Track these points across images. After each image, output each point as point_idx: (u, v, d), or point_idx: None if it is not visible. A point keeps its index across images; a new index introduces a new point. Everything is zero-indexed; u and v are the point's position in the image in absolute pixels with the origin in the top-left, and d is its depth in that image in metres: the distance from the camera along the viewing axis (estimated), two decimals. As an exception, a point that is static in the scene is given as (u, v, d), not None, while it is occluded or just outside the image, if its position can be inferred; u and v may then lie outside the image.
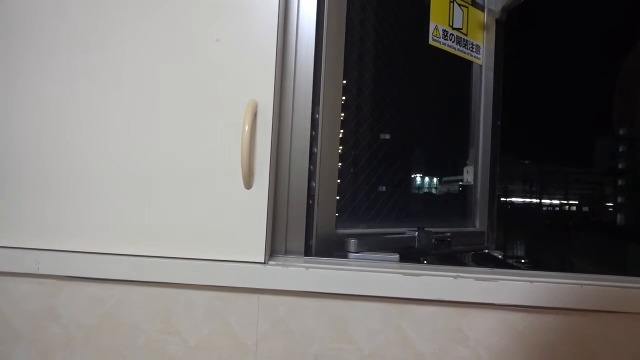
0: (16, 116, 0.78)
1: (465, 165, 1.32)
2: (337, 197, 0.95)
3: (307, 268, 0.74)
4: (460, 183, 1.32)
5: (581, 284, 0.72)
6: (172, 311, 0.77)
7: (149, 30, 0.77)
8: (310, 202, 0.89)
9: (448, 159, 1.35)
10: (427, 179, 1.34)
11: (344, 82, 0.97)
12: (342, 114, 0.97)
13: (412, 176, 1.26)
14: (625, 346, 0.72)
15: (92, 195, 0.77)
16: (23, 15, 0.78)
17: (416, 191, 1.30)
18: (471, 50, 1.26)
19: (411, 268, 0.77)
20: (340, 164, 0.97)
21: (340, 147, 0.97)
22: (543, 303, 0.72)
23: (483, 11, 1.31)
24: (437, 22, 1.17)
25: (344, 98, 0.97)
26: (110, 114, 0.77)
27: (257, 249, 0.75)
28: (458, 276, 0.73)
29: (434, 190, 1.36)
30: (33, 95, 0.78)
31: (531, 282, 0.72)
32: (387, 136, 1.13)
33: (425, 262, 1.08)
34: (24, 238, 0.77)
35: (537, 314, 0.73)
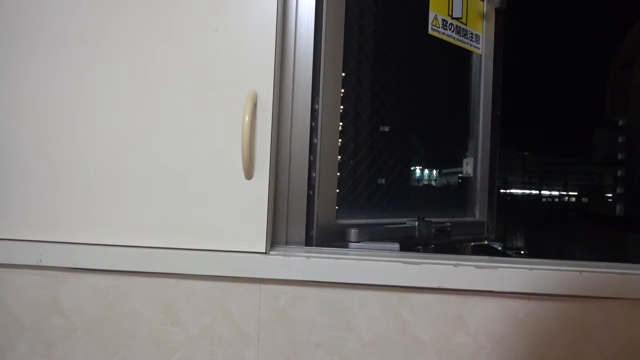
0: (20, 110, 0.78)
1: (465, 157, 1.32)
2: (337, 189, 0.95)
3: (308, 257, 0.75)
4: (460, 175, 1.32)
5: (580, 271, 0.72)
6: (174, 301, 0.77)
7: (148, 21, 0.77)
8: (311, 192, 0.89)
9: (448, 150, 1.35)
10: (426, 170, 1.34)
11: (343, 73, 0.96)
12: (342, 105, 0.97)
13: (412, 168, 1.26)
14: (624, 331, 0.73)
15: (93, 188, 0.77)
16: (29, 11, 0.77)
17: (416, 183, 1.31)
18: (471, 40, 1.25)
19: (411, 257, 0.77)
20: (340, 155, 0.97)
21: (340, 139, 0.97)
22: (543, 290, 0.72)
23: (482, 0, 1.30)
24: (436, 12, 1.16)
25: (342, 90, 0.97)
26: (111, 107, 0.77)
27: (258, 239, 0.76)
28: (458, 264, 0.73)
29: (433, 182, 1.36)
30: (38, 89, 0.78)
31: (531, 269, 0.72)
32: (387, 128, 1.13)
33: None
34: (26, 230, 0.77)
35: (536, 301, 0.74)
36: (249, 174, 0.75)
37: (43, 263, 0.76)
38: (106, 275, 0.78)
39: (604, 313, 0.73)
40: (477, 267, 0.73)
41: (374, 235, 0.95)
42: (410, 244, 1.05)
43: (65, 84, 0.77)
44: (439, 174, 1.37)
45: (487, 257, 0.79)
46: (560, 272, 0.72)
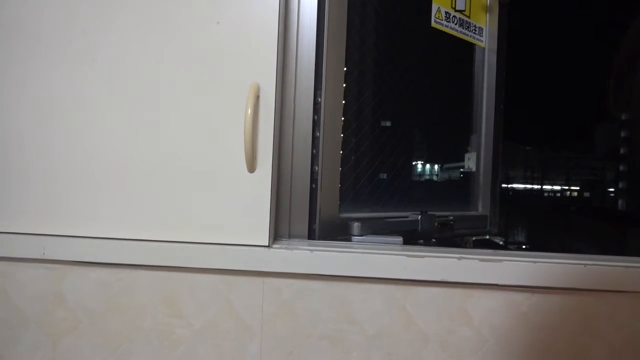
0: (23, 105, 0.77)
1: (467, 151, 1.31)
2: (340, 182, 0.95)
3: (311, 251, 0.75)
4: (462, 170, 1.32)
5: (585, 264, 0.72)
6: (178, 295, 0.77)
7: (149, 14, 0.76)
8: (314, 186, 0.88)
9: (450, 144, 1.35)
10: (429, 165, 1.34)
11: (346, 66, 0.96)
12: (344, 99, 0.96)
13: (415, 162, 1.26)
14: (629, 325, 0.73)
15: (96, 182, 0.77)
16: (31, 8, 0.77)
17: (418, 177, 1.30)
18: (474, 33, 1.24)
19: (415, 250, 0.77)
20: (342, 149, 0.96)
21: (342, 133, 0.97)
22: (547, 283, 0.72)
23: (486, -7, 1.29)
24: (439, 4, 1.15)
25: (345, 84, 0.96)
26: (112, 101, 0.77)
27: (261, 233, 0.75)
28: (462, 257, 0.73)
29: (435, 178, 1.35)
30: (40, 84, 0.77)
31: (535, 262, 0.72)
32: (389, 122, 1.13)
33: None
34: (30, 224, 0.77)
35: (541, 294, 0.73)
36: (251, 167, 0.74)
37: (46, 256, 0.76)
38: (110, 269, 0.78)
39: (608, 306, 0.73)
40: (481, 260, 0.73)
41: (376, 229, 0.95)
42: (413, 237, 1.05)
43: (67, 78, 0.77)
44: (441, 168, 1.36)
45: (491, 251, 0.78)
46: (564, 265, 0.72)
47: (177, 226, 0.76)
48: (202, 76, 0.76)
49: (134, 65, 0.77)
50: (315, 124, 0.88)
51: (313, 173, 0.88)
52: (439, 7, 1.15)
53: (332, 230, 0.91)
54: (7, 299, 0.79)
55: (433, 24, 1.15)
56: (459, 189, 1.31)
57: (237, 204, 0.76)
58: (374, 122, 1.08)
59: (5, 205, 0.78)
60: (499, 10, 1.32)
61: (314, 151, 0.88)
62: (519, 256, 0.75)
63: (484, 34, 1.28)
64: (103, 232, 0.77)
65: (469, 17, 1.23)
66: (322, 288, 0.76)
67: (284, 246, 0.76)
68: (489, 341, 0.74)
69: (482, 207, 1.27)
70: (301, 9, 0.86)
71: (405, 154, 1.18)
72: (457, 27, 1.20)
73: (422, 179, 1.33)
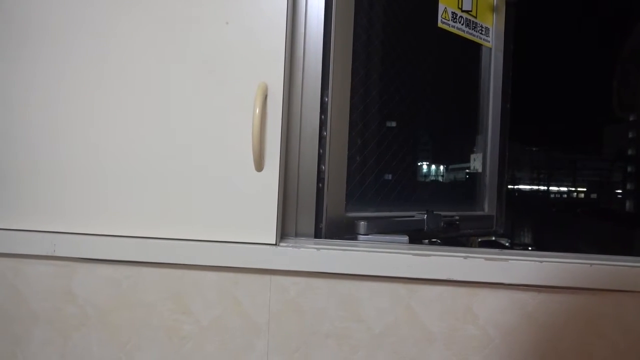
0: (33, 103, 0.79)
1: (473, 152, 1.31)
2: (346, 182, 0.96)
3: (318, 249, 0.75)
4: (467, 170, 1.32)
5: (591, 264, 0.72)
6: (185, 292, 0.78)
7: (157, 13, 0.77)
8: (320, 185, 0.89)
9: (456, 144, 1.35)
10: (434, 165, 1.34)
11: (353, 66, 0.96)
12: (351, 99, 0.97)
13: (420, 163, 1.26)
14: (635, 325, 0.73)
15: (106, 180, 0.78)
16: (39, 13, 0.78)
17: (423, 178, 1.30)
18: (480, 33, 1.25)
19: (421, 249, 0.77)
20: (348, 149, 0.97)
21: (349, 134, 0.97)
22: (553, 282, 0.72)
23: (492, -7, 1.29)
24: (446, 4, 1.15)
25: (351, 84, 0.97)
26: (121, 101, 0.78)
27: (269, 231, 0.76)
28: (468, 256, 0.73)
29: (440, 178, 1.35)
30: (49, 84, 0.79)
31: (541, 262, 0.72)
32: (395, 122, 1.13)
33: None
34: (40, 221, 0.78)
35: (546, 294, 0.74)
36: (259, 166, 0.75)
37: (57, 253, 0.78)
38: (119, 266, 0.79)
39: (614, 306, 0.73)
40: (486, 259, 0.73)
41: (382, 228, 0.95)
42: (418, 237, 1.05)
43: (78, 78, 0.78)
44: (447, 169, 1.36)
45: (497, 250, 0.79)
46: (570, 264, 0.72)
47: (185, 224, 0.77)
48: (210, 76, 0.77)
49: (143, 65, 0.78)
50: (322, 124, 0.89)
51: (320, 172, 0.89)
52: (445, 8, 1.16)
53: (339, 229, 0.92)
54: (18, 295, 0.80)
55: (440, 25, 1.15)
56: (465, 190, 1.31)
57: (245, 203, 0.77)
58: (380, 122, 1.09)
59: (16, 203, 0.79)
60: (505, 10, 1.32)
61: (321, 151, 0.89)
62: (525, 255, 0.75)
63: (491, 34, 1.28)
64: (112, 229, 0.78)
65: (475, 17, 1.23)
66: (329, 286, 0.77)
67: (291, 244, 0.77)
68: (494, 340, 0.75)
69: (488, 207, 1.27)
70: (308, 9, 0.87)
71: (412, 154, 1.18)
72: (463, 27, 1.20)
73: (428, 179, 1.33)
